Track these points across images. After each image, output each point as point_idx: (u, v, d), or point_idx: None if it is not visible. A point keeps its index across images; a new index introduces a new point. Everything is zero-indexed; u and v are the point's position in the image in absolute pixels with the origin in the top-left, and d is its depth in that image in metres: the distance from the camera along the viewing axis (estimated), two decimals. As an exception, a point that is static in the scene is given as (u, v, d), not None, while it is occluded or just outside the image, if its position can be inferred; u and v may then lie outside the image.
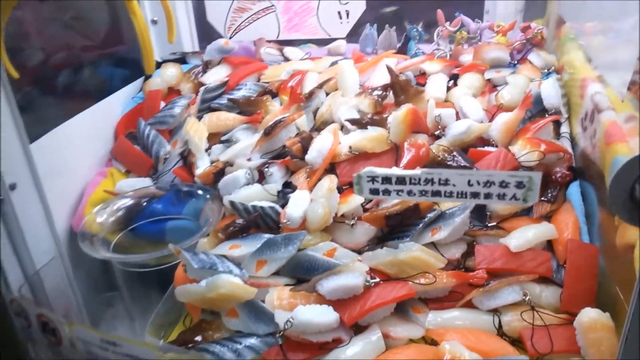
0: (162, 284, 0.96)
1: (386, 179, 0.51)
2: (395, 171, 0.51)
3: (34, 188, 0.98)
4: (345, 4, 1.37)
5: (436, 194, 0.50)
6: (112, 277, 1.06)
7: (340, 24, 1.40)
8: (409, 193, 0.51)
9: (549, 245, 0.89)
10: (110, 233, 1.04)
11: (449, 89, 1.20)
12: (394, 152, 1.01)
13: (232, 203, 0.97)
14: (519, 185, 0.48)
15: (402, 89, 1.13)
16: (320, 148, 0.99)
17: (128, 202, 1.08)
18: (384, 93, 1.12)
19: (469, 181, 0.49)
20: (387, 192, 0.51)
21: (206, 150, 1.15)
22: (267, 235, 0.91)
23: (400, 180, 0.51)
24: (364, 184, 0.52)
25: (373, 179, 0.51)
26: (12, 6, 0.80)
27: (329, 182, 0.94)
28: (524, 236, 0.86)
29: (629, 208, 0.44)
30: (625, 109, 0.86)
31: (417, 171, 0.50)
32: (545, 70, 1.21)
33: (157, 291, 0.95)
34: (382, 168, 0.51)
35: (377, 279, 0.82)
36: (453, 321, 0.81)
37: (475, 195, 0.49)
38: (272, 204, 0.96)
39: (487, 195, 0.49)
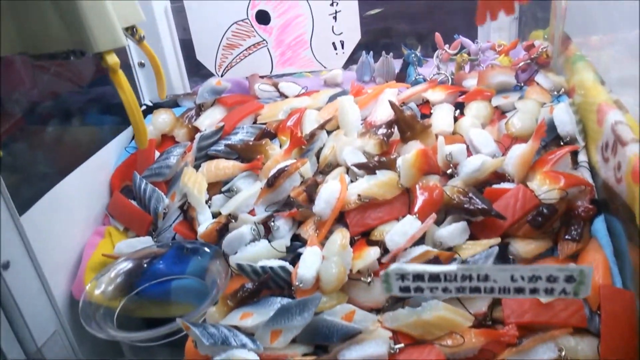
0: (172, 354, 0.90)
1: (418, 277, 0.45)
2: (428, 268, 0.46)
3: (29, 262, 0.92)
4: (340, 34, 1.31)
5: (475, 290, 0.44)
6: (119, 348, 1.00)
7: (335, 55, 1.34)
8: (445, 290, 0.45)
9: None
10: (113, 300, 0.98)
11: (455, 119, 1.15)
12: (406, 196, 0.96)
13: (239, 266, 0.91)
14: (569, 279, 0.42)
15: (407, 126, 1.07)
16: (327, 198, 0.94)
17: (128, 265, 1.02)
18: (389, 131, 1.07)
19: (512, 276, 0.43)
20: (419, 290, 0.46)
21: (206, 201, 1.09)
22: (279, 299, 0.85)
23: (434, 277, 0.45)
24: (393, 282, 0.46)
25: (402, 276, 0.46)
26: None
27: (341, 238, 0.88)
28: (553, 284, 0.81)
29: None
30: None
31: (453, 267, 0.45)
32: (555, 93, 1.16)
33: (168, 364, 0.90)
34: (413, 264, 0.46)
35: (402, 344, 0.76)
36: (487, 385, 0.76)
37: (519, 290, 0.44)
38: (282, 263, 0.90)
39: (533, 291, 0.44)
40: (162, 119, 1.27)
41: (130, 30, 0.82)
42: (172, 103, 1.39)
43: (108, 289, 0.98)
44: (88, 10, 0.65)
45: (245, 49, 1.37)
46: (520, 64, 1.25)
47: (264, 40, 1.36)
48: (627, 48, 0.92)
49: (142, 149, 0.79)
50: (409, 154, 0.96)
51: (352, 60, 1.44)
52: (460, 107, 1.18)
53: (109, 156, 1.24)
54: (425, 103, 1.23)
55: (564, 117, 1.04)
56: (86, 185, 1.15)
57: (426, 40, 1.56)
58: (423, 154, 0.95)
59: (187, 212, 1.10)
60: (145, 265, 1.04)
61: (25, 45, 0.71)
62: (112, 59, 0.67)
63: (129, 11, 0.80)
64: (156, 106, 1.35)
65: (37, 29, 0.69)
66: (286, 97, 1.35)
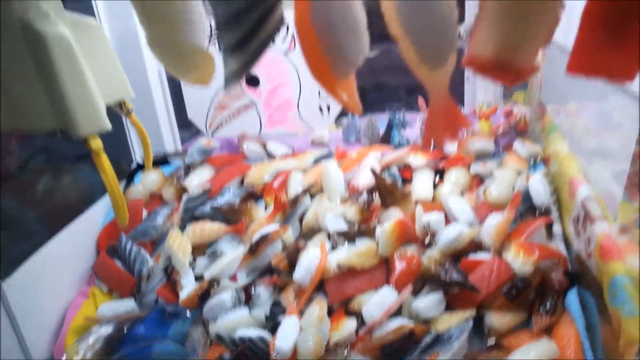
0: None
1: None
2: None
3: (10, 330, 0.93)
4: (326, 98, 1.36)
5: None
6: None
7: (321, 117, 1.38)
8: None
9: None
10: (94, 365, 0.99)
11: (435, 184, 1.18)
12: (385, 265, 0.98)
13: (218, 335, 0.92)
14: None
15: (388, 193, 1.10)
16: (308, 266, 0.96)
17: (109, 329, 1.02)
18: (370, 197, 1.10)
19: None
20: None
21: (190, 263, 1.11)
22: (256, 371, 0.86)
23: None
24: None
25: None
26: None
27: (319, 310, 0.90)
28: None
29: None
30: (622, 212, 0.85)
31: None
32: (532, 161, 1.19)
33: None
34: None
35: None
36: None
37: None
38: (261, 333, 0.92)
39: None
40: (151, 179, 1.29)
41: (119, 105, 0.85)
42: (163, 161, 1.42)
43: (87, 355, 0.98)
44: (72, 94, 0.68)
45: (235, 110, 1.41)
46: (500, 130, 1.29)
47: (253, 102, 1.40)
48: (598, 118, 0.96)
49: (122, 226, 0.81)
50: (387, 224, 0.98)
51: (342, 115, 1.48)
52: (440, 172, 1.22)
53: (98, 214, 1.26)
54: (407, 167, 1.26)
55: (538, 188, 1.07)
56: (74, 244, 1.16)
57: (414, 95, 1.61)
58: (401, 224, 0.98)
59: (170, 275, 1.12)
60: (125, 329, 1.05)
61: (14, 122, 0.73)
62: (96, 143, 0.70)
63: (118, 87, 0.84)
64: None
65: (25, 107, 0.71)
66: (273, 157, 1.38)
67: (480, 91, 1.64)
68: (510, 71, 0.47)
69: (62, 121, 0.70)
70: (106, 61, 0.81)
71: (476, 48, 0.49)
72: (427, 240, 1.02)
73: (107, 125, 0.71)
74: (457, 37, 0.52)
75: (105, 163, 0.71)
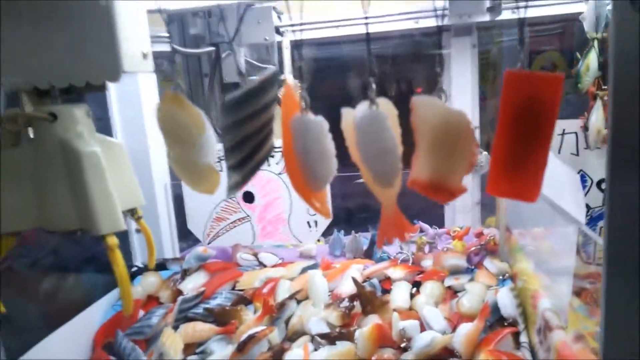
0: None
1: None
2: None
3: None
4: (313, 215, 1.50)
5: None
6: None
7: (309, 232, 1.52)
8: None
9: None
10: None
11: (412, 295, 1.28)
12: (362, 367, 1.06)
13: None
14: None
15: (368, 300, 1.20)
16: (291, 365, 1.03)
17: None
18: (351, 304, 1.20)
19: None
20: None
21: (181, 361, 1.17)
22: None
23: None
24: None
25: None
26: (9, 245, 0.88)
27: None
28: None
29: None
30: (575, 324, 0.95)
31: None
32: (500, 277, 1.31)
33: None
34: None
35: None
36: None
37: None
38: None
39: None
40: (150, 282, 1.39)
41: (131, 211, 0.98)
42: (161, 266, 1.53)
43: None
44: (97, 199, 0.81)
45: (231, 222, 1.55)
46: (472, 249, 1.42)
47: (248, 215, 1.54)
48: (560, 241, 1.09)
49: (127, 314, 0.91)
50: (366, 328, 1.07)
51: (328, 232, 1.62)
52: (417, 285, 1.32)
53: (98, 312, 1.34)
54: (387, 279, 1.37)
55: (506, 301, 1.18)
56: (71, 340, 1.23)
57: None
58: (378, 328, 1.07)
59: (161, 371, 1.18)
60: None
61: (42, 222, 0.86)
62: (112, 241, 0.82)
63: (132, 196, 0.97)
64: (146, 268, 1.48)
65: (53, 209, 0.84)
66: (264, 266, 1.49)
67: (460, 213, 1.79)
68: (444, 192, 0.63)
69: (84, 222, 0.83)
70: (124, 173, 0.95)
71: (416, 174, 0.66)
72: (403, 345, 1.11)
73: (123, 226, 0.84)
74: (400, 166, 0.68)
75: (119, 258, 0.82)
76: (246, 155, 0.77)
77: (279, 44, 1.72)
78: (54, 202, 0.83)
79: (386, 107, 0.70)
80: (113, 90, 1.53)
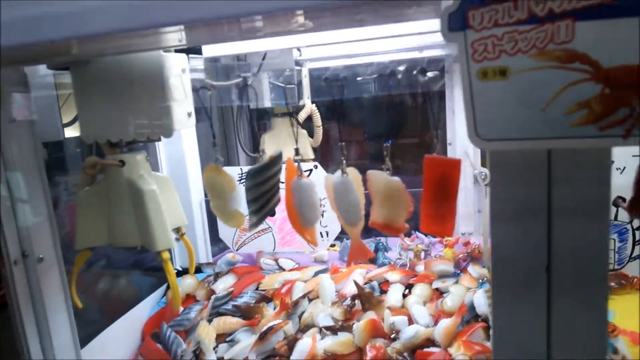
0: None
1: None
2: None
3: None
4: (325, 226, 1.76)
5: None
6: None
7: (322, 240, 1.78)
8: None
9: None
10: None
11: (405, 295, 1.54)
12: (359, 353, 1.32)
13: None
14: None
15: (366, 300, 1.46)
16: (301, 351, 1.30)
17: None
18: (352, 302, 1.46)
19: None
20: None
21: (214, 348, 1.45)
22: None
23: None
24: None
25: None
26: (86, 257, 1.17)
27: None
28: None
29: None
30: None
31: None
32: (480, 281, 1.55)
33: None
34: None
35: None
36: None
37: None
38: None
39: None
40: (188, 283, 1.68)
41: (176, 230, 1.26)
42: (197, 269, 1.81)
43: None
44: (154, 224, 1.09)
45: (256, 232, 1.82)
46: (460, 256, 1.66)
47: (270, 227, 1.82)
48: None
49: (176, 309, 1.20)
50: (361, 322, 1.34)
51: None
52: (410, 286, 1.58)
53: (146, 307, 1.63)
54: (386, 281, 1.63)
55: (481, 301, 1.42)
56: (125, 330, 1.52)
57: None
58: (372, 322, 1.33)
59: (198, 355, 1.46)
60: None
61: (111, 240, 1.14)
62: (166, 255, 1.10)
63: (177, 216, 1.25)
64: (185, 271, 1.77)
65: (120, 230, 1.13)
66: (283, 269, 1.76)
67: (462, 220, 2.01)
68: (392, 229, 0.90)
69: (145, 241, 1.11)
70: (173, 200, 1.23)
71: (374, 218, 0.97)
72: (393, 336, 1.36)
73: (173, 244, 1.12)
74: (361, 215, 0.96)
75: (170, 268, 1.11)
76: (261, 205, 1.12)
77: (299, 72, 1.99)
78: (121, 225, 1.12)
79: (353, 174, 1.03)
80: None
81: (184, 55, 1.16)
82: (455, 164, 0.81)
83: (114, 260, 1.74)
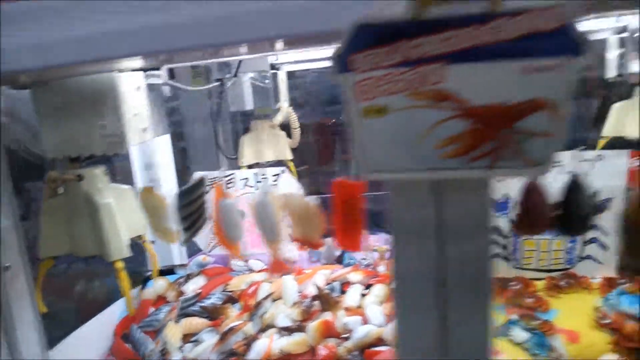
0: None
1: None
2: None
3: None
4: (292, 229, 1.84)
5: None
6: None
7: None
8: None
9: None
10: None
11: (363, 295, 1.61)
12: (312, 352, 1.39)
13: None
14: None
15: (325, 300, 1.54)
16: (258, 350, 1.38)
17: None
18: (312, 303, 1.53)
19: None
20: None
21: (180, 347, 1.53)
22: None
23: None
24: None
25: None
26: (50, 265, 1.25)
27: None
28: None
29: None
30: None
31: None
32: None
33: None
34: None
35: None
36: None
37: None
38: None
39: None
40: (159, 285, 1.76)
41: (139, 237, 1.33)
42: (170, 271, 1.89)
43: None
44: (109, 236, 1.17)
45: (226, 234, 1.90)
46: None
47: (240, 229, 1.89)
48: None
49: (130, 314, 1.30)
50: (315, 322, 1.41)
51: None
52: (370, 286, 1.65)
53: (117, 310, 1.71)
54: (348, 282, 1.70)
55: (432, 301, 1.49)
56: (97, 331, 1.60)
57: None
58: (325, 323, 1.41)
59: (165, 355, 1.53)
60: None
61: (72, 249, 1.22)
62: (119, 265, 1.18)
63: (138, 226, 1.32)
64: (164, 272, 1.85)
65: (80, 241, 1.20)
66: (252, 270, 1.84)
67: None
68: (310, 244, 0.98)
69: (101, 251, 1.19)
70: (132, 211, 1.30)
71: (295, 235, 1.05)
72: (345, 336, 1.44)
73: (127, 254, 1.19)
74: (280, 233, 1.04)
75: (123, 276, 1.18)
76: (191, 223, 1.24)
77: (275, 75, 2.06)
78: (81, 236, 1.19)
79: (273, 197, 1.15)
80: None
81: (139, 73, 1.23)
82: (360, 187, 0.88)
83: (89, 262, 1.81)
